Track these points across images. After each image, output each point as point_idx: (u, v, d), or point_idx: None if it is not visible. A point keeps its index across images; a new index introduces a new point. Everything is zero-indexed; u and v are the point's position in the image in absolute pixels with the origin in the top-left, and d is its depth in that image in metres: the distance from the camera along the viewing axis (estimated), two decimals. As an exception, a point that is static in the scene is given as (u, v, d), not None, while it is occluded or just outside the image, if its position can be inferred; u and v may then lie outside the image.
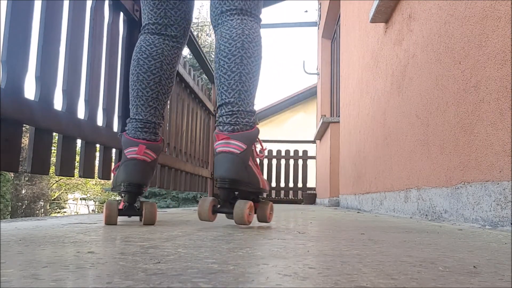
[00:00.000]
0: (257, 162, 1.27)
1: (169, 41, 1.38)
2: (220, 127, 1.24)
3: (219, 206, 1.23)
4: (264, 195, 1.33)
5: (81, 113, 1.62)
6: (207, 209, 1.20)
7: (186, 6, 1.40)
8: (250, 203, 1.17)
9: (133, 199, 1.30)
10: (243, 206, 1.15)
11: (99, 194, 20.97)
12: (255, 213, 1.29)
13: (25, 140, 9.74)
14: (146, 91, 1.33)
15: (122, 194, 1.32)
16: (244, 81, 1.24)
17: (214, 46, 1.34)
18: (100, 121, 1.82)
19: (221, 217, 1.56)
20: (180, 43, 1.42)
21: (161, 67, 1.35)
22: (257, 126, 1.29)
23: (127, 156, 1.29)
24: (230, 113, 1.23)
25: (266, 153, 8.40)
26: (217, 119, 1.27)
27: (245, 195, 1.24)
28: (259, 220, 1.31)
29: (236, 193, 1.24)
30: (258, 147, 1.31)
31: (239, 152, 1.19)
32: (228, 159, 1.19)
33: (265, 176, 7.87)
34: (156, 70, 1.34)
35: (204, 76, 9.43)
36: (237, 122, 1.22)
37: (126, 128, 1.36)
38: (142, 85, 1.33)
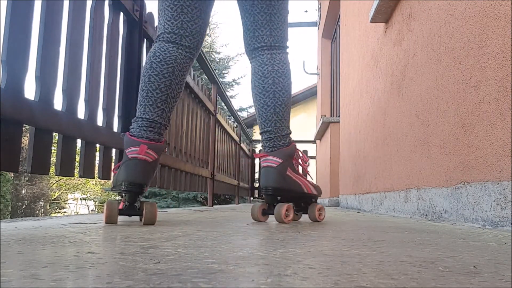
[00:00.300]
0: (299, 172, 1.52)
1: (182, 50, 1.44)
2: (262, 149, 1.54)
3: (266, 209, 1.51)
4: (316, 198, 1.59)
5: (81, 113, 1.63)
6: (257, 211, 1.49)
7: (202, 21, 1.48)
8: (288, 205, 1.42)
9: (134, 199, 1.31)
10: (280, 208, 1.40)
11: (99, 194, 20.97)
12: (305, 213, 1.58)
13: (25, 140, 9.74)
14: (156, 92, 1.37)
15: (123, 194, 1.34)
16: (278, 112, 1.47)
17: (251, 74, 1.56)
18: (100, 121, 1.82)
19: (221, 217, 1.56)
20: (192, 54, 1.49)
21: (172, 72, 1.40)
22: (294, 143, 1.54)
23: (128, 155, 1.30)
24: (268, 139, 1.50)
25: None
26: (261, 141, 1.55)
27: (287, 199, 1.51)
28: (311, 219, 1.58)
29: (279, 198, 1.48)
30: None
31: (276, 165, 1.46)
32: (267, 171, 1.46)
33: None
34: (168, 74, 1.39)
35: (204, 76, 9.43)
36: (274, 145, 1.49)
37: (131, 127, 1.38)
38: (152, 87, 1.37)
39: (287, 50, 1.55)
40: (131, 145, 1.31)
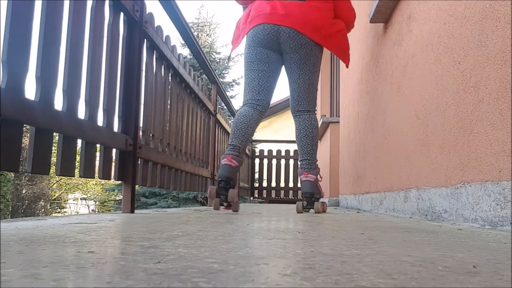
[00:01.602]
0: (320, 184, 2.55)
1: (258, 112, 2.42)
2: (302, 169, 2.49)
3: (306, 205, 2.48)
4: (322, 199, 2.81)
5: (81, 113, 1.63)
6: (300, 207, 2.44)
7: (272, 90, 2.49)
8: (322, 203, 2.45)
9: (224, 187, 2.26)
10: (319, 205, 2.41)
11: (100, 194, 20.95)
12: (318, 212, 2.43)
13: (26, 140, 9.73)
14: (238, 132, 2.35)
15: (219, 184, 2.29)
16: (312, 150, 2.48)
17: (295, 127, 2.55)
18: (100, 121, 1.82)
19: (221, 217, 1.55)
20: (263, 113, 2.46)
21: (249, 123, 2.37)
22: (319, 167, 2.58)
23: (221, 163, 2.31)
24: (307, 163, 2.47)
25: (270, 157, 8.59)
26: (300, 164, 2.50)
27: (316, 199, 2.50)
28: (318, 211, 2.40)
29: (313, 199, 2.46)
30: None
31: (313, 180, 2.46)
32: (309, 183, 2.45)
33: (264, 176, 8.47)
34: (246, 124, 2.36)
35: (204, 76, 9.42)
36: (310, 167, 2.47)
37: (226, 149, 2.38)
38: (238, 129, 2.36)
39: (315, 112, 2.53)
40: (223, 157, 2.31)
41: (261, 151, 8.56)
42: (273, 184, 8.45)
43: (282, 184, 8.32)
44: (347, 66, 2.64)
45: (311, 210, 2.57)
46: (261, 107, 2.40)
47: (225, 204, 2.32)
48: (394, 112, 2.56)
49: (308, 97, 2.46)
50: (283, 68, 2.48)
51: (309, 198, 2.45)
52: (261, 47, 2.33)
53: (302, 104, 2.47)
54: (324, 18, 2.30)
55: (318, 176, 2.50)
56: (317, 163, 2.52)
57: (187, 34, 3.13)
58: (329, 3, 2.38)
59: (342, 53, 2.48)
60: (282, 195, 8.35)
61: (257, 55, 2.36)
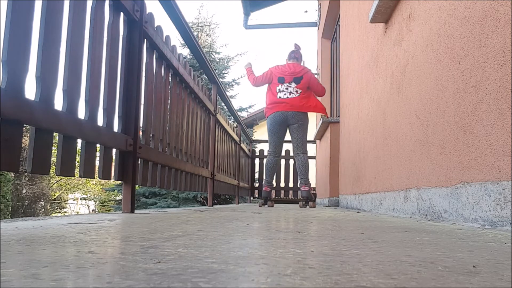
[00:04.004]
0: (311, 191, 4.58)
1: (277, 158, 4.39)
2: (301, 184, 4.24)
3: (304, 203, 4.21)
4: (314, 198, 4.73)
5: (81, 113, 1.63)
6: (301, 204, 4.19)
7: (282, 148, 4.46)
8: (313, 202, 4.25)
9: (265, 202, 4.42)
10: (311, 203, 4.23)
11: (100, 194, 20.95)
12: (310, 206, 4.22)
13: (26, 140, 9.73)
14: (271, 172, 4.45)
15: (262, 201, 4.44)
16: (306, 174, 4.28)
17: (295, 161, 4.44)
18: (100, 121, 1.82)
19: (221, 217, 1.55)
20: (280, 157, 4.46)
21: (274, 166, 4.42)
22: (311, 183, 4.52)
23: (263, 189, 4.46)
24: (304, 181, 4.23)
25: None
26: (300, 181, 4.27)
27: (310, 200, 4.23)
28: (309, 207, 4.14)
29: (308, 200, 4.20)
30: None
31: (308, 189, 4.20)
32: (306, 191, 4.20)
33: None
34: (272, 168, 4.44)
35: (204, 76, 9.42)
36: (306, 183, 4.24)
37: (264, 181, 4.50)
38: (269, 170, 4.42)
39: (307, 152, 4.37)
40: (264, 186, 4.46)
41: (261, 151, 8.56)
42: (273, 184, 8.44)
43: (282, 184, 8.32)
44: (327, 116, 5.08)
45: (307, 207, 4.24)
46: (278, 155, 4.45)
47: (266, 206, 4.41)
48: (394, 112, 2.56)
49: (303, 145, 4.34)
50: (287, 130, 4.41)
51: (306, 199, 4.23)
52: (277, 124, 4.30)
53: (299, 149, 4.34)
54: (307, 101, 4.30)
55: (310, 187, 4.30)
56: (310, 180, 4.38)
57: (187, 34, 3.13)
58: (310, 92, 4.36)
59: (319, 111, 4.33)
60: (282, 195, 8.35)
61: (274, 128, 4.32)
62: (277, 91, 4.24)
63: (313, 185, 8.67)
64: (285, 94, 4.21)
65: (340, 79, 5.38)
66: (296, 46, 4.50)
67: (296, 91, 4.18)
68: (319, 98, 4.62)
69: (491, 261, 0.66)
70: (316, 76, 8.56)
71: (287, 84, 4.21)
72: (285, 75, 4.23)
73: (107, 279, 0.46)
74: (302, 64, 4.52)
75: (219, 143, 4.97)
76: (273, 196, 8.60)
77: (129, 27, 2.15)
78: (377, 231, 1.18)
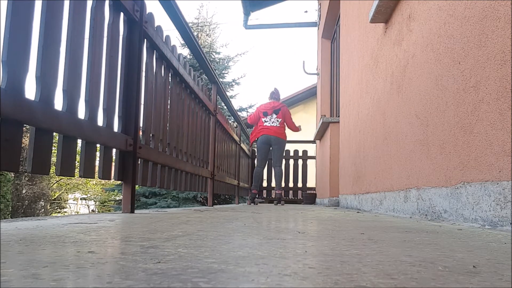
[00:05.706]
0: (282, 193, 6.83)
1: (262, 168, 5.89)
2: (276, 189, 5.80)
3: (276, 203, 5.81)
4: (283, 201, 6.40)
5: (81, 113, 1.63)
6: (274, 203, 5.95)
7: (266, 161, 5.98)
8: (284, 201, 6.21)
9: (252, 201, 5.80)
10: (282, 202, 5.82)
11: (100, 194, 20.95)
12: (282, 205, 5.73)
13: (26, 140, 9.72)
14: (257, 178, 5.80)
15: (252, 201, 5.86)
16: (281, 181, 5.78)
17: (273, 171, 6.11)
18: (100, 121, 1.82)
19: (221, 217, 1.55)
20: (264, 168, 5.96)
21: (260, 175, 5.83)
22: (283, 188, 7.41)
23: (252, 191, 5.85)
24: (279, 186, 5.76)
25: None
26: (275, 186, 5.83)
27: (282, 201, 5.90)
28: (281, 205, 5.61)
29: (281, 200, 5.82)
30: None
31: (280, 192, 5.79)
32: (279, 194, 5.76)
33: (264, 176, 9.20)
34: (259, 175, 5.81)
35: (204, 76, 9.42)
36: (280, 188, 5.78)
37: (252, 185, 5.90)
38: (256, 177, 5.81)
39: (282, 165, 5.95)
40: (251, 190, 5.84)
41: (261, 151, 8.55)
42: (273, 184, 8.44)
43: (282, 184, 8.31)
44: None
45: (279, 205, 5.35)
46: (263, 167, 5.83)
47: (253, 204, 5.68)
48: (394, 112, 2.56)
49: (280, 160, 5.73)
50: (270, 149, 5.81)
51: (278, 199, 5.71)
52: (263, 144, 5.72)
53: (277, 162, 5.72)
54: (284, 130, 5.78)
55: (282, 191, 6.47)
56: (282, 185, 6.40)
57: (187, 34, 3.13)
58: (284, 125, 5.82)
59: (293, 130, 5.90)
60: (282, 195, 8.35)
61: (261, 147, 5.74)
62: (263, 121, 5.86)
63: (313, 185, 8.68)
64: (268, 123, 5.79)
65: (340, 79, 5.38)
66: (276, 89, 6.11)
67: (277, 121, 5.78)
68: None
69: (491, 261, 0.66)
70: (316, 76, 8.60)
71: (270, 116, 5.80)
72: (267, 110, 5.81)
73: (107, 279, 0.45)
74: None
75: (219, 143, 4.97)
76: (273, 196, 8.63)
77: (129, 27, 2.15)
78: (377, 231, 1.18)
